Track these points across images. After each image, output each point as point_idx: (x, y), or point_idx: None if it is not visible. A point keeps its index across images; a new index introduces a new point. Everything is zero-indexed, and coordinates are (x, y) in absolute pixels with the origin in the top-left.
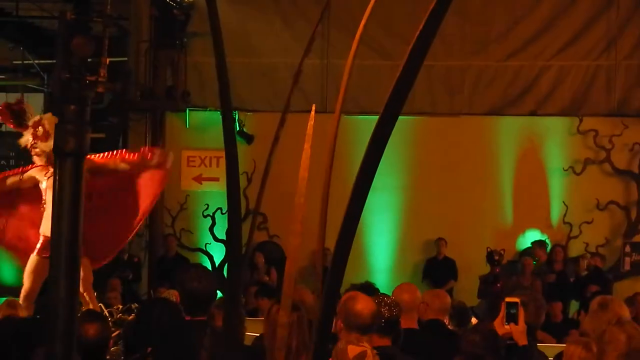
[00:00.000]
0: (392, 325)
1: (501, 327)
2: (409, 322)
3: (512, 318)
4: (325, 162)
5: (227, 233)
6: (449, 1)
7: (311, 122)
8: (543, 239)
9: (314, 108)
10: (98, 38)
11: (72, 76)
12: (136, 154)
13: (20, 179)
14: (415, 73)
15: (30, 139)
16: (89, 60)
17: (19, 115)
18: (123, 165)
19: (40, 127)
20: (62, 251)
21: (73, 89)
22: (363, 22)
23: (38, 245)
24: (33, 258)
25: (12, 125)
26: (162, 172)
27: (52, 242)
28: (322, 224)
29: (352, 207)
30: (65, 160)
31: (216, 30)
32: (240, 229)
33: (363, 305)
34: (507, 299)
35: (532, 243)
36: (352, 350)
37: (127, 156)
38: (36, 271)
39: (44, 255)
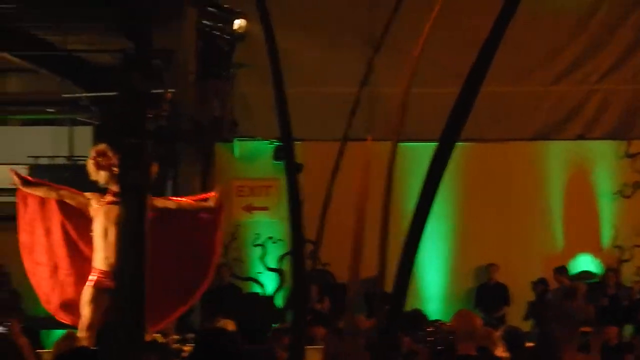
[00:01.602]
0: (447, 352)
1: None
2: (466, 349)
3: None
4: (379, 190)
5: (291, 263)
6: (502, 32)
7: (368, 152)
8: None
9: (370, 138)
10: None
11: (133, 110)
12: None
13: (73, 193)
14: (472, 102)
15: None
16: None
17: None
18: (185, 204)
19: (101, 157)
20: (125, 283)
21: (135, 123)
22: (417, 52)
23: (92, 277)
24: (89, 289)
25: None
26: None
27: (115, 274)
28: (382, 250)
29: (413, 233)
30: (128, 193)
31: (275, 62)
32: (303, 258)
33: None
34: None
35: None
36: None
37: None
38: (94, 302)
39: (100, 287)
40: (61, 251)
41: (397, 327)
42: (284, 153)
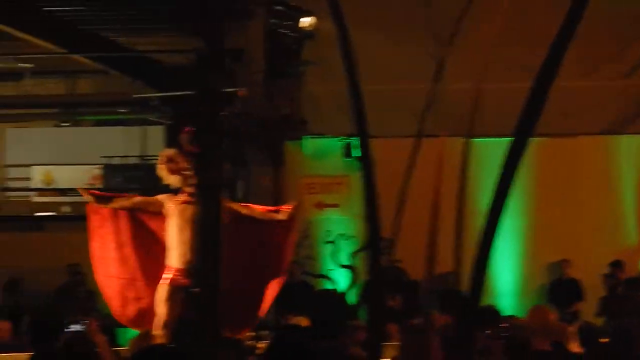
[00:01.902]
0: (520, 346)
1: None
2: (540, 344)
3: None
4: (450, 186)
5: (368, 258)
6: (573, 27)
7: (441, 148)
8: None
9: (443, 135)
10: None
11: (208, 110)
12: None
13: (147, 200)
14: (544, 97)
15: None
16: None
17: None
18: (258, 213)
19: (171, 163)
20: (202, 279)
21: (210, 122)
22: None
23: (167, 275)
24: (164, 287)
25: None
26: (292, 230)
27: (192, 270)
28: (457, 247)
29: (488, 229)
30: (204, 191)
31: (349, 59)
32: (379, 251)
33: None
34: None
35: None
36: None
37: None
38: (170, 300)
39: (175, 285)
40: (134, 263)
41: (474, 323)
42: (360, 150)
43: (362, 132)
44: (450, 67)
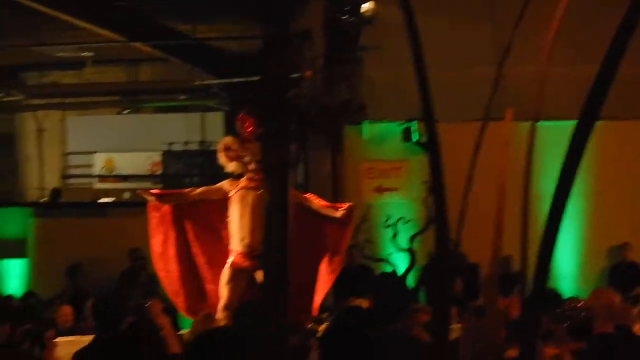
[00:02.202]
0: (584, 329)
1: None
2: (604, 327)
3: None
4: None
5: (436, 243)
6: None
7: (508, 127)
8: None
9: (508, 118)
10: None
11: (274, 92)
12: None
13: (210, 189)
14: (610, 81)
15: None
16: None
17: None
18: (317, 206)
19: (230, 151)
20: (272, 259)
21: (276, 105)
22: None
23: (231, 259)
24: (227, 271)
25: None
26: (347, 229)
27: (264, 250)
28: (523, 231)
29: (554, 212)
30: (271, 172)
31: (416, 44)
32: (447, 236)
33: None
34: None
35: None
36: (550, 350)
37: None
38: (232, 282)
39: (238, 268)
40: (195, 259)
41: (539, 307)
42: (427, 136)
43: (429, 118)
44: (515, 50)
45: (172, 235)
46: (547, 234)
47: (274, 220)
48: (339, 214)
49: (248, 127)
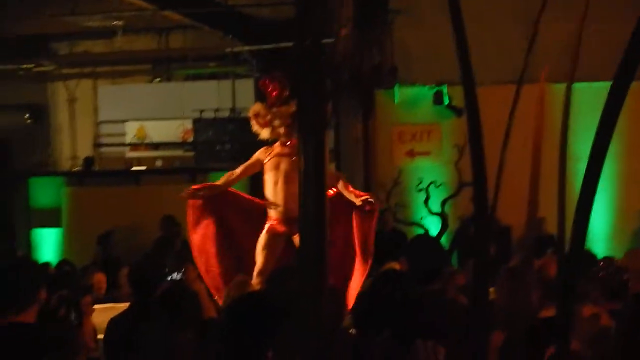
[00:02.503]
0: (620, 289)
1: None
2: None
3: None
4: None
5: (474, 206)
6: None
7: (543, 87)
8: None
9: (543, 79)
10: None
11: (311, 53)
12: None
13: (247, 165)
14: None
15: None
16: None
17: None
18: (347, 193)
19: (259, 118)
20: (309, 223)
21: (312, 66)
22: None
23: (267, 226)
24: (263, 236)
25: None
26: (372, 220)
27: (300, 215)
28: (561, 192)
29: (590, 174)
30: (307, 136)
31: (455, 4)
32: (486, 198)
33: None
34: None
35: None
36: (587, 310)
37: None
38: (268, 247)
39: (274, 233)
40: (235, 254)
41: (578, 268)
42: (466, 98)
43: (468, 80)
44: (550, 9)
45: (211, 230)
46: (584, 195)
47: (310, 183)
48: (358, 201)
49: (272, 91)
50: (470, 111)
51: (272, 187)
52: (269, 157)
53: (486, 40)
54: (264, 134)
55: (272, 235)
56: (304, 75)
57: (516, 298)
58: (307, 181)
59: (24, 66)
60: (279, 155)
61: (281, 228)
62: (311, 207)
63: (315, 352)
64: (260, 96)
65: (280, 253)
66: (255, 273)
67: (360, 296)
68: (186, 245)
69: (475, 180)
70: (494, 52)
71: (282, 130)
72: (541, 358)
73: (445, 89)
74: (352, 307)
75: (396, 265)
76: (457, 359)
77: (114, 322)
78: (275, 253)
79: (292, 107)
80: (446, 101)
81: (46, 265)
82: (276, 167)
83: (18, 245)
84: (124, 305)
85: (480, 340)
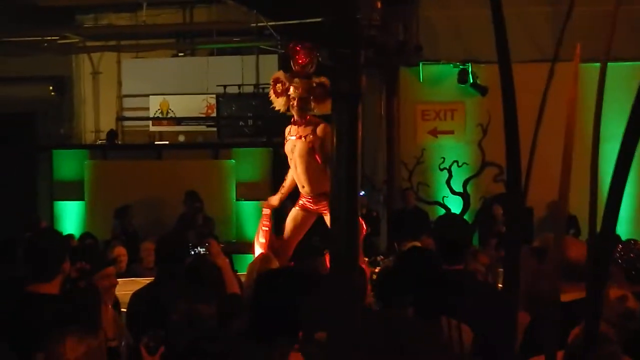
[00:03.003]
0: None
1: None
2: None
3: None
4: (583, 113)
5: (507, 186)
6: None
7: (577, 63)
8: None
9: (577, 58)
10: None
11: (345, 19)
12: None
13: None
14: None
15: (272, 95)
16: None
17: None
18: None
19: (279, 84)
20: (342, 192)
21: (347, 32)
22: None
23: (300, 202)
24: (293, 211)
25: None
26: None
27: (332, 184)
28: (593, 173)
29: (623, 155)
30: (341, 102)
31: None
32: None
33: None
34: None
35: None
36: (614, 292)
37: None
38: (294, 222)
39: (306, 209)
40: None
41: (608, 250)
42: (502, 77)
43: (504, 59)
44: None
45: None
46: (616, 176)
47: (343, 153)
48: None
49: (299, 58)
50: (506, 90)
51: (294, 172)
52: (286, 142)
53: (510, 19)
54: (278, 103)
55: (303, 211)
56: (339, 44)
57: (540, 279)
58: (340, 150)
59: (49, 38)
60: (293, 137)
61: (312, 207)
62: (343, 173)
63: (346, 326)
64: (284, 72)
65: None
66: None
67: (384, 272)
68: (208, 221)
69: (509, 160)
70: (517, 30)
71: (295, 102)
72: (566, 339)
73: (469, 67)
74: (376, 283)
75: (417, 244)
76: (482, 339)
77: (138, 296)
78: (303, 229)
79: (313, 82)
80: (470, 80)
81: (70, 237)
82: (291, 151)
83: (41, 217)
84: (144, 280)
85: (511, 320)
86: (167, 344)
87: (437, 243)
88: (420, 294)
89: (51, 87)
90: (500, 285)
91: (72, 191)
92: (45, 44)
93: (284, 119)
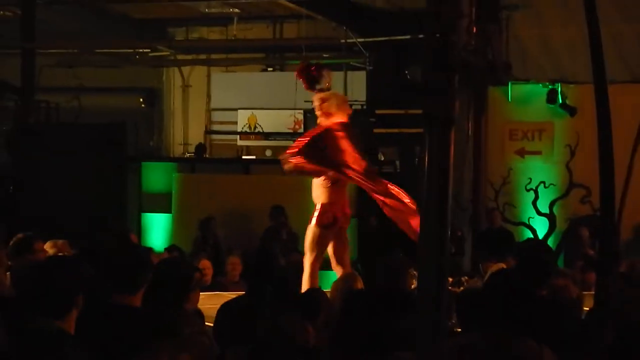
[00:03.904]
0: None
1: None
2: None
3: None
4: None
5: (601, 207)
6: None
7: None
8: None
9: None
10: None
11: (440, 43)
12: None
13: None
14: None
15: (317, 111)
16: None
17: (312, 80)
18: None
19: (325, 103)
20: (431, 215)
21: (442, 56)
22: None
23: (316, 214)
24: (312, 229)
25: (304, 85)
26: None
27: (422, 206)
28: None
29: None
30: (434, 126)
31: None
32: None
33: None
34: None
35: None
36: None
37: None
38: (318, 242)
39: (323, 225)
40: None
41: None
42: (597, 97)
43: (600, 79)
44: None
45: None
46: None
47: (434, 177)
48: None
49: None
50: (601, 110)
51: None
52: None
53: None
54: (322, 121)
55: (323, 228)
56: (434, 68)
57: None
58: (431, 172)
59: (141, 50)
60: None
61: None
62: (434, 195)
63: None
64: (372, 88)
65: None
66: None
67: (469, 293)
68: (292, 236)
69: (603, 181)
70: (608, 50)
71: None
72: None
73: (559, 87)
74: (460, 304)
75: (502, 267)
76: None
77: (227, 308)
78: (325, 248)
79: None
80: (560, 100)
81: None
82: None
83: (129, 229)
84: (229, 294)
85: (600, 343)
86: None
87: (519, 267)
88: (503, 316)
89: (142, 99)
90: (586, 309)
91: (160, 203)
92: (137, 56)
93: (371, 137)
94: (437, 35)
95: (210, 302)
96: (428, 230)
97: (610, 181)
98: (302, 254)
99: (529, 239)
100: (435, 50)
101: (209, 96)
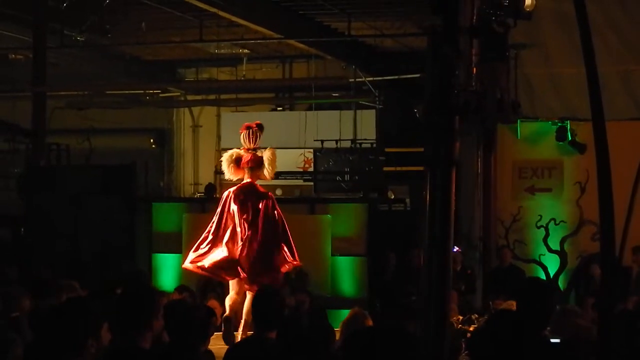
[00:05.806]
0: None
1: None
2: None
3: None
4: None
5: (602, 246)
6: None
7: None
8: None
9: None
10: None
11: (441, 86)
12: None
13: None
14: None
15: (270, 165)
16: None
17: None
18: None
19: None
20: (433, 253)
21: (442, 99)
22: None
23: None
24: None
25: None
26: None
27: (425, 244)
28: None
29: None
30: (434, 168)
31: (587, 40)
32: (613, 237)
33: None
34: None
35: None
36: None
37: None
38: None
39: None
40: None
41: None
42: (595, 135)
43: (598, 117)
44: None
45: None
46: None
47: (436, 217)
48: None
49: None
50: (599, 147)
51: None
52: None
53: (610, 77)
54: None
55: None
56: (434, 110)
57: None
58: (433, 210)
59: (151, 91)
60: None
61: None
62: (436, 240)
63: None
64: (382, 127)
65: None
66: None
67: (478, 333)
68: (301, 276)
69: (603, 219)
70: (616, 87)
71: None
72: None
73: (568, 125)
74: (470, 343)
75: (513, 304)
76: None
77: (235, 352)
78: None
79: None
80: (569, 137)
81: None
82: None
83: (142, 270)
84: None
85: None
86: None
87: (521, 308)
88: (509, 357)
89: (152, 139)
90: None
91: (171, 243)
92: (148, 97)
93: (381, 175)
94: (437, 77)
95: (219, 343)
96: (429, 267)
97: (610, 219)
98: (310, 293)
99: (529, 278)
100: (435, 92)
101: (219, 136)
